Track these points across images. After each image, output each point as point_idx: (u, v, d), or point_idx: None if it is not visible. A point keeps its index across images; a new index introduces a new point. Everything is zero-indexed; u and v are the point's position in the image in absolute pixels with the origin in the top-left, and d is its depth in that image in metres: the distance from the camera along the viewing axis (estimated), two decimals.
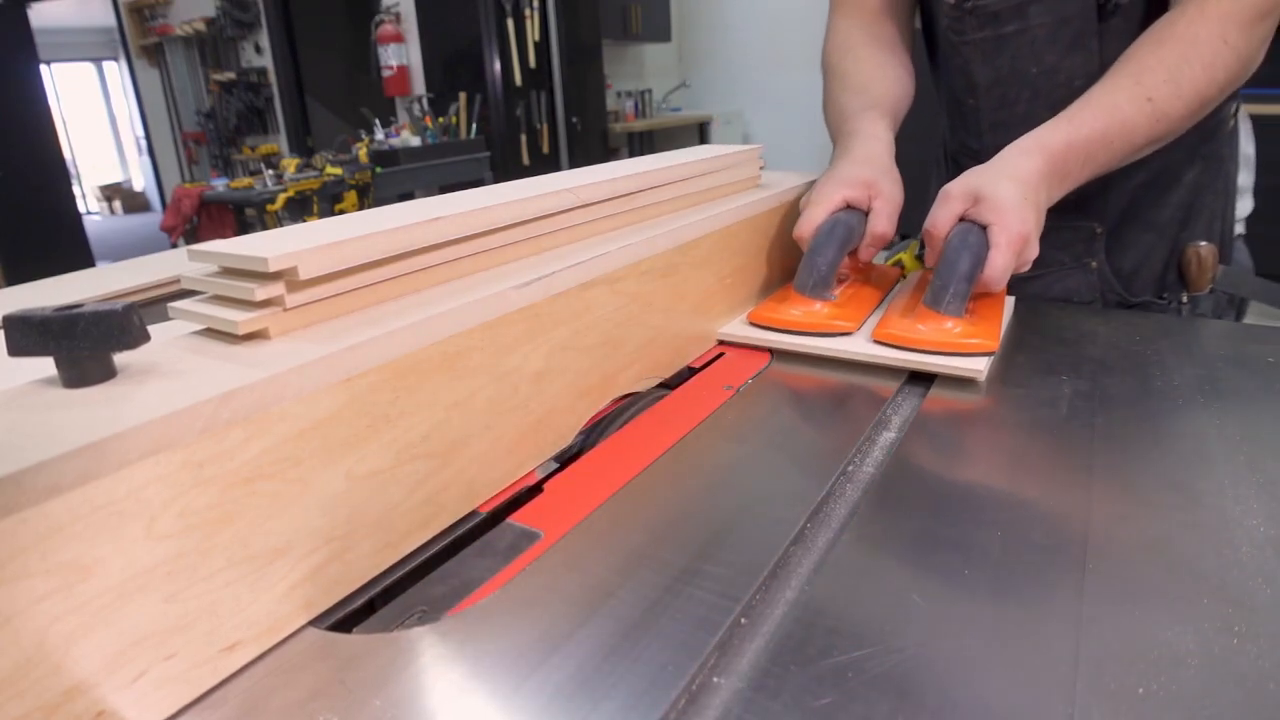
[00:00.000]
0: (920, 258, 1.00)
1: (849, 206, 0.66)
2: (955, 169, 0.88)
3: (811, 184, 0.71)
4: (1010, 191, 0.57)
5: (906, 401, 0.54)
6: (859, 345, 0.59)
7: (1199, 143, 0.75)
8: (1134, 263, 0.80)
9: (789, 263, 0.77)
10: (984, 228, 0.57)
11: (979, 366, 0.54)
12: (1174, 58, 0.62)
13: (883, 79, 0.80)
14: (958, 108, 0.86)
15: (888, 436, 0.49)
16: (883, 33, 0.85)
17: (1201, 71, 0.62)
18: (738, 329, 0.65)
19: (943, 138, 0.96)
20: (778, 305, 0.65)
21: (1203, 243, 0.75)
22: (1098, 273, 0.81)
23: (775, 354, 0.62)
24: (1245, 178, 0.80)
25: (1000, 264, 0.56)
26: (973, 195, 0.59)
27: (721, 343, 0.65)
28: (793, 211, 0.75)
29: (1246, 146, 0.79)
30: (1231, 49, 0.62)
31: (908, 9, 0.88)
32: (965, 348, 0.55)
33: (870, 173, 0.67)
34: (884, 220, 0.66)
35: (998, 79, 0.79)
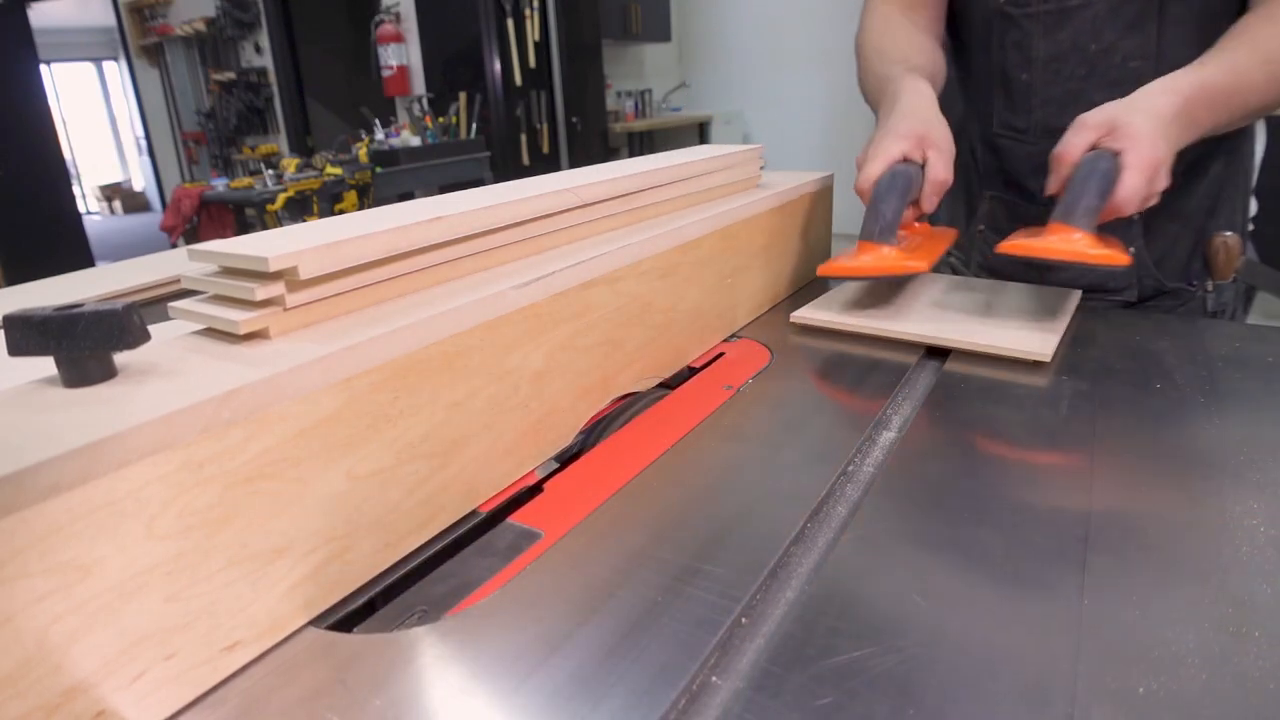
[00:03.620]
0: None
1: (905, 160, 0.67)
2: (992, 154, 0.88)
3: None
4: (1146, 121, 0.58)
5: (907, 403, 0.54)
6: (916, 325, 0.61)
7: (1224, 136, 0.77)
8: (1160, 251, 0.81)
9: (793, 264, 0.77)
10: (1116, 154, 0.58)
11: (1046, 349, 0.55)
12: None
13: (920, 52, 0.83)
14: (1005, 86, 0.86)
15: (888, 436, 0.49)
16: (918, 18, 0.88)
17: None
18: (808, 312, 0.67)
19: (966, 127, 0.95)
20: (847, 258, 0.65)
21: (1229, 233, 0.77)
22: (1135, 259, 0.81)
23: (818, 332, 0.65)
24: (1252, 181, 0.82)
25: (1132, 185, 0.56)
26: (1108, 125, 0.59)
27: (801, 326, 0.67)
28: (794, 212, 0.75)
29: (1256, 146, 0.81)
30: None
31: (941, 2, 0.91)
32: (1096, 258, 0.56)
33: (922, 126, 0.68)
34: (941, 168, 0.67)
35: (1057, 53, 0.80)
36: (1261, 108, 0.67)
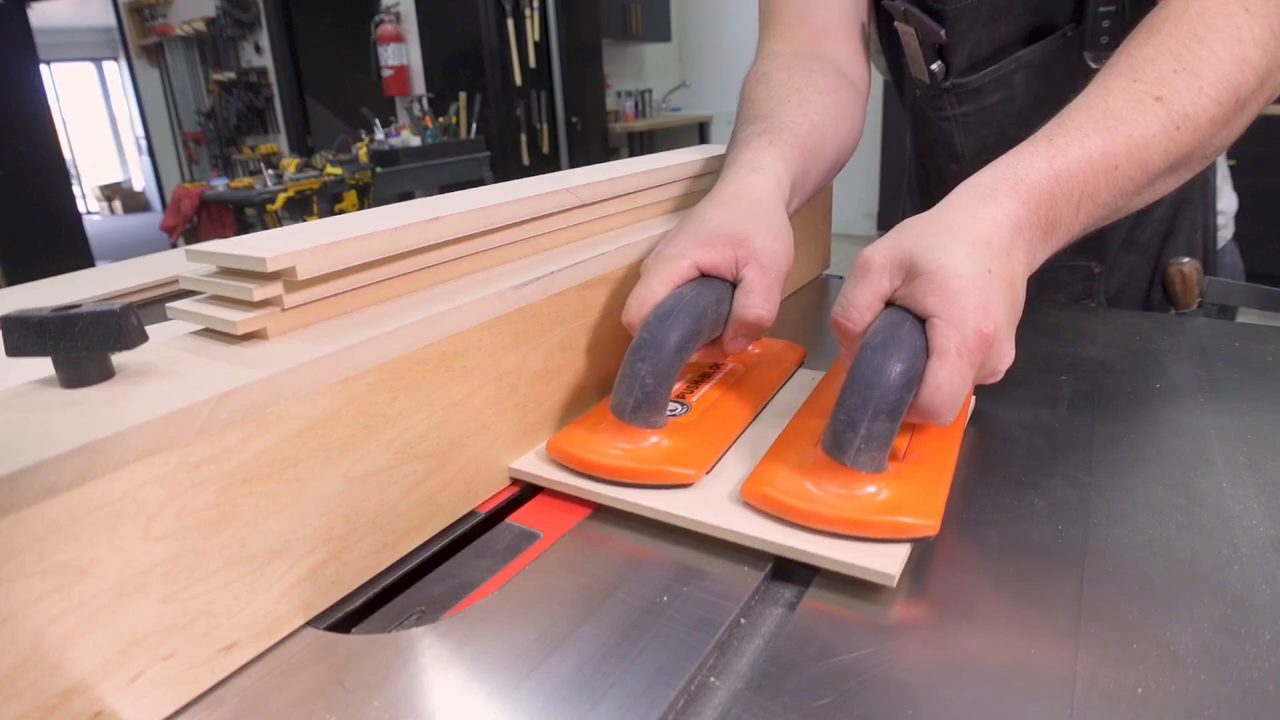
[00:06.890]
0: None
1: (704, 275, 0.44)
2: None
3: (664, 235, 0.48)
4: (963, 262, 0.36)
5: None
6: (712, 509, 0.37)
7: None
8: (1118, 285, 0.75)
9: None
10: (923, 320, 0.36)
11: (891, 567, 0.33)
12: (1179, 40, 0.45)
13: (799, 100, 0.58)
14: (937, 174, 0.78)
15: None
16: (815, 60, 0.65)
17: (1224, 50, 0.44)
18: (532, 463, 0.43)
19: (909, 181, 0.88)
20: (588, 434, 0.42)
21: (1185, 259, 0.72)
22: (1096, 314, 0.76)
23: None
24: (1221, 177, 0.74)
25: (946, 384, 0.34)
26: (902, 267, 0.37)
27: (515, 482, 0.44)
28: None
29: None
30: (1259, 19, 0.45)
31: (858, 30, 0.69)
32: (883, 529, 0.34)
33: (739, 223, 0.45)
34: (758, 298, 0.43)
35: (983, 147, 0.71)
36: (1171, 167, 0.44)
